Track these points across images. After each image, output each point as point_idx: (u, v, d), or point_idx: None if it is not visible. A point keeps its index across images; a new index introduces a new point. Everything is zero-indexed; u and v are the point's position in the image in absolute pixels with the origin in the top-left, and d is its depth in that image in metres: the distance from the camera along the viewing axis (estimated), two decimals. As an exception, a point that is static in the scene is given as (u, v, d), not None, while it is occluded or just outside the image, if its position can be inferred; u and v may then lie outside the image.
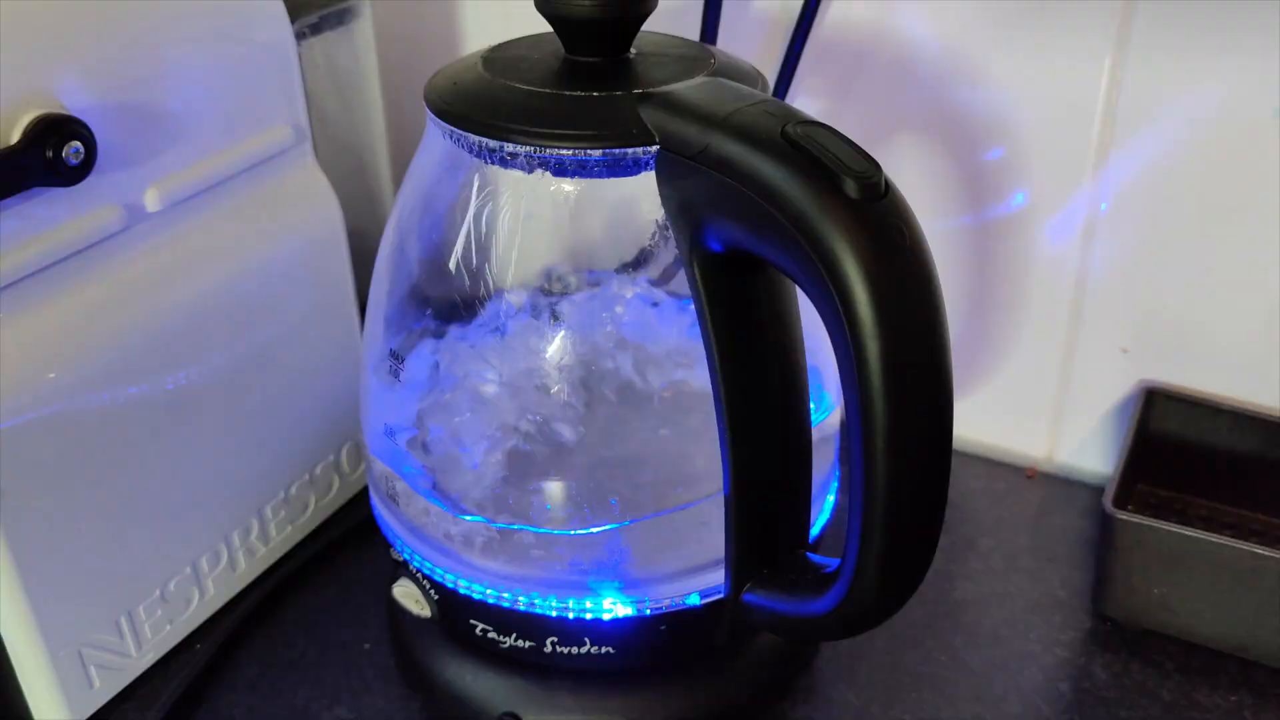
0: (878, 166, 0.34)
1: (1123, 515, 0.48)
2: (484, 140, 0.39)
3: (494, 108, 0.40)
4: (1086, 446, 0.60)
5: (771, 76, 0.57)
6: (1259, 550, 0.46)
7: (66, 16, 0.43)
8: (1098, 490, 0.59)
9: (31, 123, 0.42)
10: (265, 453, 0.54)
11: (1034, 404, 0.60)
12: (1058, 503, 0.59)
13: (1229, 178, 0.51)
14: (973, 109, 0.55)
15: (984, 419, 0.62)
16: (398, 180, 0.68)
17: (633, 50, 0.43)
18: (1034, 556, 0.56)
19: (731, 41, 0.58)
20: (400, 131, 0.67)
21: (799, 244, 0.34)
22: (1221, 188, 0.52)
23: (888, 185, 0.34)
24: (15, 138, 0.41)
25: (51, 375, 0.44)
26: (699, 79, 0.40)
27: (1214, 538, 0.47)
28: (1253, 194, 0.51)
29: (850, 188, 0.33)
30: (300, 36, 0.54)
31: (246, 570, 0.55)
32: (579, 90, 0.40)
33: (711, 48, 0.45)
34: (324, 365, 0.56)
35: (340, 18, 0.57)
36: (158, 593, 0.50)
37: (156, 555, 0.50)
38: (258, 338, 0.52)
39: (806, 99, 0.58)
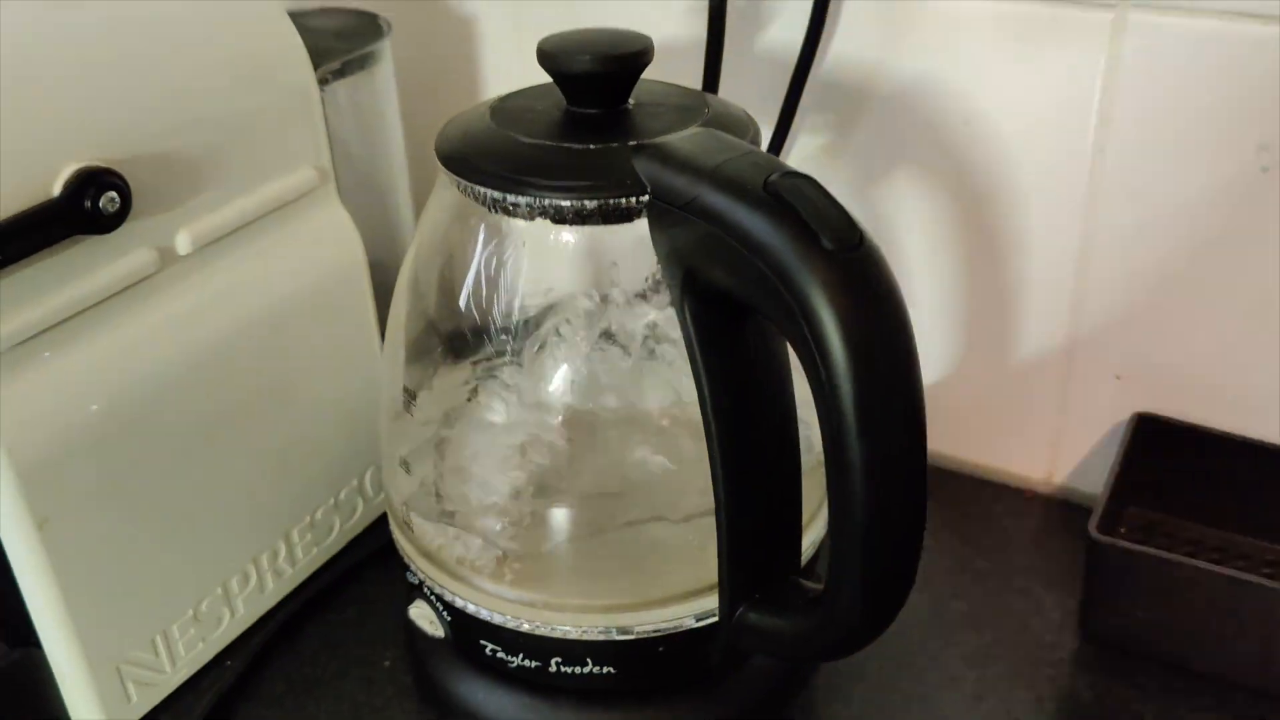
0: (852, 220, 0.36)
1: (1106, 540, 0.50)
2: (488, 191, 0.42)
3: (497, 160, 0.42)
4: (1085, 469, 0.62)
5: (775, 113, 0.59)
6: (1238, 576, 0.48)
7: (102, 73, 0.46)
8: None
9: (71, 176, 0.45)
10: (292, 478, 0.57)
11: (1033, 427, 0.62)
12: (1055, 524, 0.61)
13: (1220, 209, 0.53)
14: (967, 143, 0.57)
15: (984, 440, 0.64)
16: (419, 210, 0.71)
17: (631, 100, 0.45)
18: (1029, 577, 0.58)
19: (734, 80, 0.60)
20: (421, 163, 0.70)
21: (778, 292, 0.36)
22: (1212, 219, 0.53)
23: (862, 237, 0.36)
24: (56, 190, 0.44)
25: (95, 407, 0.47)
26: (691, 130, 0.42)
27: (1195, 563, 0.49)
28: (1243, 225, 0.53)
29: (826, 239, 0.35)
30: (323, 82, 0.56)
31: (274, 590, 0.58)
32: (577, 143, 0.42)
33: (708, 96, 0.47)
34: (347, 393, 0.59)
35: (362, 62, 0.60)
36: (191, 612, 0.53)
37: (190, 577, 0.53)
38: (284, 369, 0.55)
39: (809, 135, 0.60)
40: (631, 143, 0.41)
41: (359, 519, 0.62)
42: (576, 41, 0.43)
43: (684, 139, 0.41)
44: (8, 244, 0.43)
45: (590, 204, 0.41)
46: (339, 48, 0.59)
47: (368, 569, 0.60)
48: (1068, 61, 0.53)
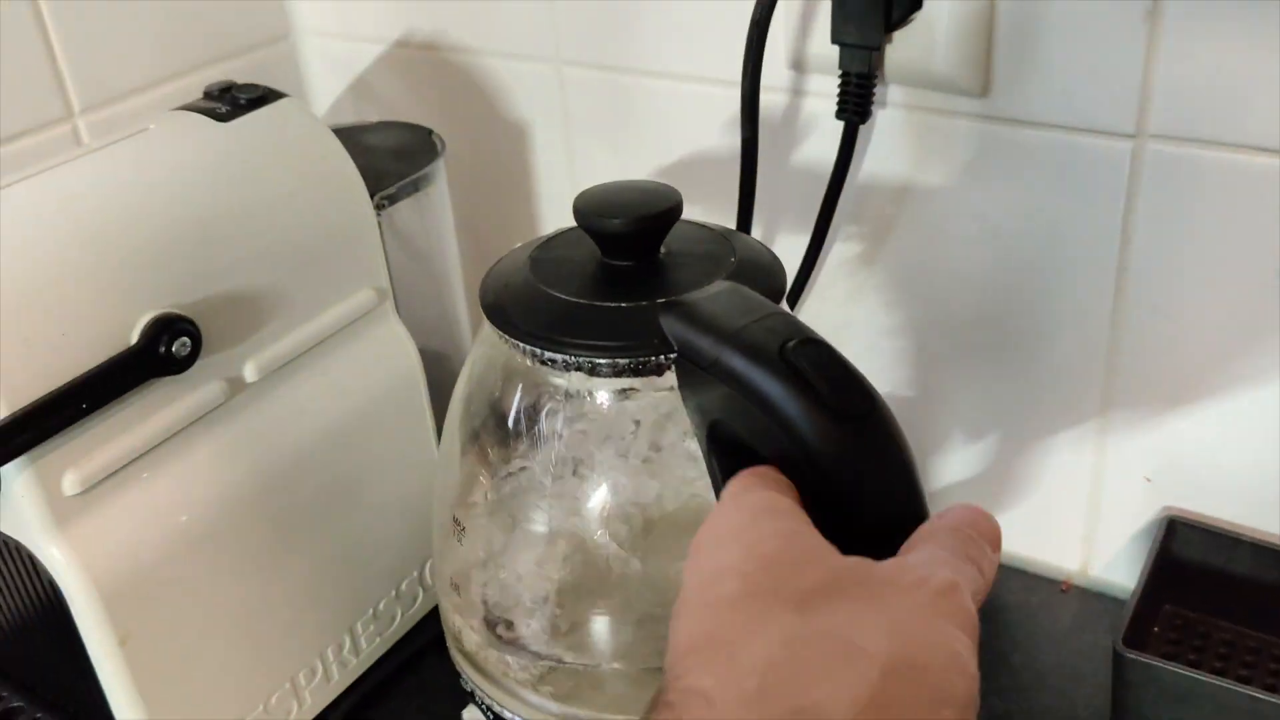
0: (863, 387, 0.38)
1: (1132, 655, 0.52)
2: (526, 346, 0.45)
3: (534, 317, 0.45)
4: (1119, 562, 0.63)
5: (810, 223, 0.61)
6: (1257, 694, 0.49)
7: (171, 223, 0.50)
8: (1130, 606, 0.62)
9: (148, 324, 0.48)
10: (355, 575, 0.61)
11: (1067, 521, 0.64)
12: (1090, 618, 0.63)
13: (1243, 323, 0.54)
14: (995, 256, 0.59)
15: (1021, 532, 0.65)
16: (472, 294, 0.74)
17: (663, 249, 0.48)
18: (1061, 674, 0.59)
19: (771, 190, 0.62)
20: (478, 249, 0.72)
21: (792, 454, 0.38)
22: (1236, 333, 0.55)
23: (873, 404, 0.38)
24: (134, 338, 0.48)
25: (172, 527, 0.51)
26: (716, 287, 0.44)
27: (1217, 680, 0.50)
28: (1267, 339, 0.54)
29: (836, 408, 0.37)
30: (380, 207, 0.60)
31: (340, 680, 0.61)
32: (610, 300, 0.45)
33: (737, 239, 0.49)
34: (407, 491, 0.62)
35: (417, 184, 0.63)
36: (261, 707, 0.57)
37: (261, 673, 0.57)
38: (347, 476, 0.59)
39: (844, 244, 0.63)
40: (659, 300, 0.44)
41: (419, 607, 0.65)
42: (609, 201, 0.46)
43: (709, 297, 0.43)
44: (92, 393, 0.47)
45: (622, 361, 0.44)
46: (395, 170, 0.62)
47: (428, 655, 0.64)
48: (1090, 185, 0.54)
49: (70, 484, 0.48)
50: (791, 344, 0.39)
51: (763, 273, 0.47)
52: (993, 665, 0.60)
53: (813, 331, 0.40)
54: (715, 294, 0.44)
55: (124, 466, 0.49)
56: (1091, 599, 0.64)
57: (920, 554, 0.34)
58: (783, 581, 0.32)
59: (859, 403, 0.38)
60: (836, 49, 0.55)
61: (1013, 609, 0.64)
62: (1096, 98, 0.52)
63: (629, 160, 0.68)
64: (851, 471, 0.38)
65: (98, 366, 0.47)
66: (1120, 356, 0.58)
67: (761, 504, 0.35)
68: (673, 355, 0.43)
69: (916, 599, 0.32)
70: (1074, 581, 0.65)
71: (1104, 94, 0.52)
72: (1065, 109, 0.53)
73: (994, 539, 0.36)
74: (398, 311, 0.61)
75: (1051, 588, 0.65)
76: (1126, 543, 0.62)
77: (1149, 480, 0.60)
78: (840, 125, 0.57)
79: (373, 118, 0.75)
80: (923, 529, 0.36)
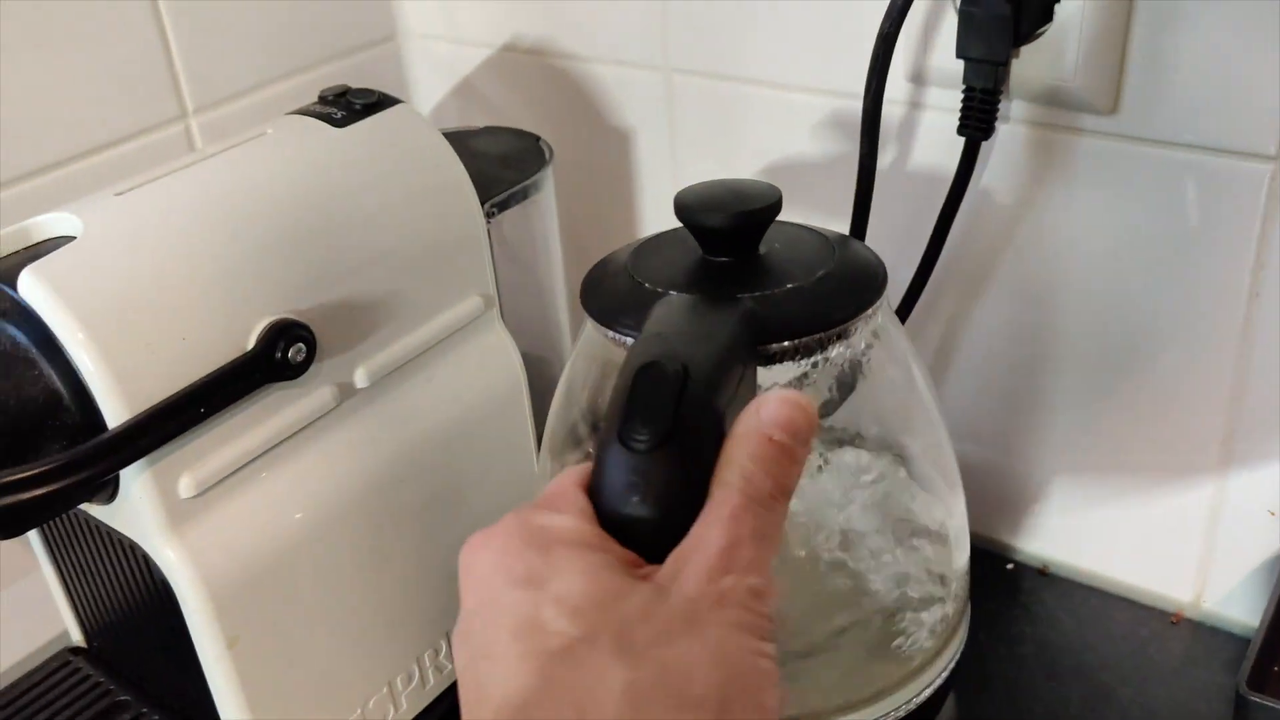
0: (667, 424, 0.35)
1: (1257, 698, 0.50)
2: (622, 338, 0.45)
3: (630, 310, 0.45)
4: (1234, 596, 0.61)
5: (922, 235, 0.60)
6: (1391, 746, 0.47)
7: (290, 229, 0.50)
8: (1243, 641, 0.60)
9: (265, 329, 0.49)
10: (454, 580, 0.61)
11: (1182, 551, 0.62)
12: (1202, 652, 0.61)
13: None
14: (1119, 278, 0.57)
15: (1133, 559, 0.64)
16: (572, 301, 0.74)
17: (765, 248, 0.47)
18: (1172, 711, 0.57)
19: (885, 205, 0.61)
20: (580, 256, 0.72)
21: None
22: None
23: (666, 439, 0.35)
24: (252, 343, 0.49)
25: (298, 515, 0.51)
26: (741, 297, 0.44)
27: (1346, 728, 0.48)
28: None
29: (629, 433, 0.35)
30: (489, 215, 0.60)
31: (434, 686, 0.61)
32: (700, 294, 0.45)
33: (843, 243, 0.49)
34: (505, 497, 0.62)
35: (525, 192, 0.63)
36: (359, 711, 0.57)
37: (360, 677, 0.57)
38: (449, 481, 0.59)
39: (959, 258, 0.61)
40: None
41: (514, 613, 0.65)
42: (710, 196, 0.46)
43: (694, 301, 0.43)
44: (210, 397, 0.47)
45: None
46: (503, 177, 0.62)
47: (522, 664, 0.63)
48: (1224, 208, 0.53)
49: (186, 487, 0.48)
50: (651, 362, 0.37)
51: (861, 277, 0.47)
52: (1097, 699, 0.59)
53: (696, 359, 0.37)
54: (716, 306, 0.43)
55: (237, 470, 0.50)
56: (1205, 633, 0.62)
57: (709, 539, 0.33)
58: (602, 625, 0.32)
59: (650, 438, 0.35)
60: (958, 62, 0.54)
61: (1120, 640, 0.62)
62: (1234, 118, 0.51)
63: (734, 168, 0.68)
64: (609, 493, 0.36)
65: (216, 371, 0.47)
66: (1248, 385, 0.56)
67: (548, 537, 0.35)
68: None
69: (726, 618, 0.32)
70: (1185, 614, 0.63)
71: (1243, 114, 0.50)
72: (1200, 129, 0.52)
73: (807, 431, 0.35)
74: (502, 318, 0.61)
75: (1162, 619, 0.63)
76: (1243, 576, 0.60)
77: (1273, 514, 0.58)
78: (957, 139, 0.56)
79: (476, 121, 0.75)
80: (721, 463, 0.35)
